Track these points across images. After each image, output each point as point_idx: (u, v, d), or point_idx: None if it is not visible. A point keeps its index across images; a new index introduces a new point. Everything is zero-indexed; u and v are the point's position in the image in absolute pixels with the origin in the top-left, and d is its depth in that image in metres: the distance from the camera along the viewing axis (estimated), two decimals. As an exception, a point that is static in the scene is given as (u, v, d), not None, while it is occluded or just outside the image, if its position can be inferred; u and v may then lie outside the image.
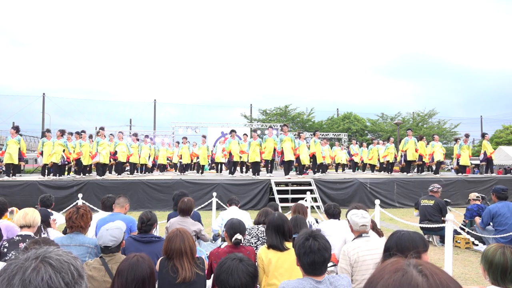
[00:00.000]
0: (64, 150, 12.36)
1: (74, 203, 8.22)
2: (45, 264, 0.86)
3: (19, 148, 11.70)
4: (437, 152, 13.94)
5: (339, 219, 4.57)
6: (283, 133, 12.14)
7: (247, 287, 2.13)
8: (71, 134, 13.25)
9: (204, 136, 16.09)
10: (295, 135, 12.73)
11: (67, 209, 8.47)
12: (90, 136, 13.81)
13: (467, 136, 14.54)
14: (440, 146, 14.14)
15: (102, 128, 12.91)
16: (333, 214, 4.59)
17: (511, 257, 2.12)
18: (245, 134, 14.31)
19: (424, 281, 0.69)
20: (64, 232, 4.63)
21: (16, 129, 11.87)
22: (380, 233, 3.98)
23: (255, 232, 3.70)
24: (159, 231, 5.34)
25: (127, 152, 13.37)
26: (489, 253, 2.19)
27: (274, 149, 12.26)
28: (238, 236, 3.04)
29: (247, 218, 5.08)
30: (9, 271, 0.84)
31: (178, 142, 16.88)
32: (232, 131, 13.90)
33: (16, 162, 11.67)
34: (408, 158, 14.06)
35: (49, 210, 4.85)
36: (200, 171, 15.84)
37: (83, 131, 12.93)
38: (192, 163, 16.10)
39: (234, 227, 3.13)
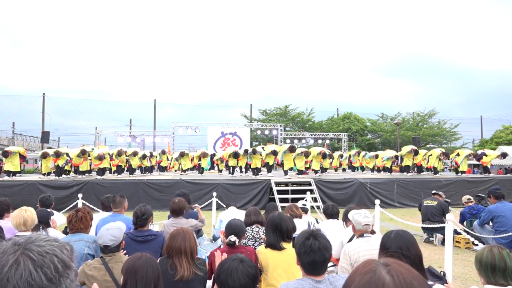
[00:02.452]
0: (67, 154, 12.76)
1: (74, 203, 8.22)
2: (25, 257, 0.77)
3: (19, 154, 12.14)
4: (433, 160, 14.05)
5: (337, 219, 4.58)
6: (289, 150, 12.61)
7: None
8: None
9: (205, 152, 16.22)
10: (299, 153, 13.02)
11: (67, 209, 8.51)
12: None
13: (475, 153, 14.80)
14: (437, 154, 14.11)
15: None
16: (331, 214, 4.60)
17: (498, 254, 2.21)
18: (246, 150, 14.08)
19: (390, 281, 0.76)
20: (65, 232, 4.63)
21: (4, 154, 11.95)
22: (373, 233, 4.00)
23: (250, 234, 3.70)
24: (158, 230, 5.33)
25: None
26: (478, 254, 2.31)
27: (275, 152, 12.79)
28: (232, 237, 3.03)
29: (246, 218, 5.08)
30: None
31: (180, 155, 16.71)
32: (245, 150, 14.03)
33: (19, 169, 12.28)
34: (404, 163, 14.33)
35: (49, 210, 4.84)
36: (200, 171, 15.84)
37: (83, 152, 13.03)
38: (192, 165, 16.17)
39: (231, 228, 3.13)
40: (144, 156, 15.08)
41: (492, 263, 2.18)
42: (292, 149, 12.44)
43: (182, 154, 15.07)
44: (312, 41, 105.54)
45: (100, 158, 12.62)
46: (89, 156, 12.80)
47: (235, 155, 13.69)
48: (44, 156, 12.63)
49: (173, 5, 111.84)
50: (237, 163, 14.00)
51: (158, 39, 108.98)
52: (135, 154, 14.34)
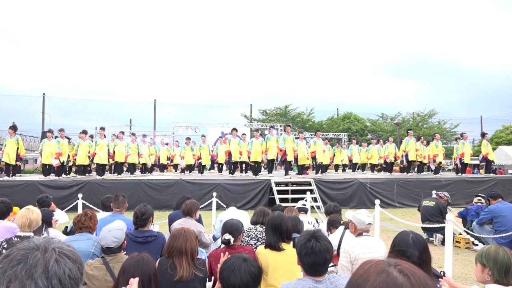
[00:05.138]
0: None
1: (74, 203, 8.23)
2: (63, 256, 0.88)
3: (17, 149, 11.71)
4: (441, 154, 14.03)
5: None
6: (286, 133, 12.19)
7: (247, 286, 2.14)
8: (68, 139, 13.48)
9: (203, 136, 15.99)
10: (295, 135, 12.77)
11: (67, 209, 8.51)
12: (92, 136, 13.85)
13: (463, 134, 14.50)
14: (441, 145, 14.22)
15: (102, 128, 12.94)
16: (333, 213, 4.61)
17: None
18: (243, 134, 14.25)
19: (405, 280, 0.78)
20: (65, 232, 4.64)
21: (14, 128, 11.84)
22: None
23: (254, 233, 3.70)
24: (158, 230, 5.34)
25: (126, 152, 13.53)
26: (492, 251, 2.32)
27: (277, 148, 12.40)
28: (226, 236, 3.05)
29: (246, 218, 5.08)
30: (30, 262, 0.83)
31: (177, 141, 16.86)
32: (234, 129, 13.84)
33: (13, 162, 11.65)
34: (410, 159, 14.11)
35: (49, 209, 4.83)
36: (200, 171, 15.82)
37: (85, 131, 12.96)
38: (195, 164, 16.06)
39: (227, 227, 3.15)
40: (134, 134, 14.97)
41: (508, 263, 2.22)
42: (285, 128, 12.20)
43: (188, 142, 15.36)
44: (313, 41, 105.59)
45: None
46: (88, 153, 12.69)
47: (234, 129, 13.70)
48: (45, 135, 12.63)
49: (173, 5, 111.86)
50: (239, 157, 13.67)
51: (158, 39, 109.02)
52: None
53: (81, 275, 0.90)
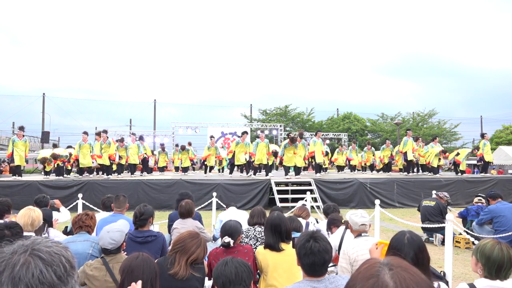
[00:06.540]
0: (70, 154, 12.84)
1: (74, 203, 8.23)
2: (35, 257, 0.80)
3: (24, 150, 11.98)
4: (435, 160, 13.91)
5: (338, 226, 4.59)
6: (289, 142, 11.87)
7: (242, 276, 2.16)
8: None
9: (212, 137, 15.94)
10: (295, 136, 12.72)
11: (67, 209, 8.51)
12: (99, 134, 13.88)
13: (484, 135, 14.23)
14: (436, 152, 13.96)
15: (105, 131, 13.01)
16: (332, 218, 4.62)
17: (507, 253, 2.23)
18: (245, 132, 13.75)
19: (393, 287, 0.74)
20: (65, 232, 4.64)
21: (23, 129, 11.99)
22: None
23: (252, 234, 3.70)
24: (158, 230, 5.34)
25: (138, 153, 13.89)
26: (487, 248, 2.29)
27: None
28: (226, 239, 3.05)
29: (246, 218, 5.09)
30: None
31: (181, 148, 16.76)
32: (244, 132, 13.45)
33: (24, 164, 12.10)
34: (408, 158, 14.04)
35: (49, 209, 4.83)
36: (204, 171, 15.78)
37: (85, 132, 12.99)
38: (192, 164, 16.09)
39: (225, 229, 3.14)
40: (141, 138, 14.99)
41: (500, 262, 2.19)
42: (293, 140, 11.76)
43: (183, 148, 15.22)
44: (313, 41, 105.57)
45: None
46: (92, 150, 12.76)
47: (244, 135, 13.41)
48: (44, 162, 12.83)
49: (173, 5, 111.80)
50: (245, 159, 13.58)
51: (158, 39, 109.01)
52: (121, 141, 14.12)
53: (58, 279, 0.80)
